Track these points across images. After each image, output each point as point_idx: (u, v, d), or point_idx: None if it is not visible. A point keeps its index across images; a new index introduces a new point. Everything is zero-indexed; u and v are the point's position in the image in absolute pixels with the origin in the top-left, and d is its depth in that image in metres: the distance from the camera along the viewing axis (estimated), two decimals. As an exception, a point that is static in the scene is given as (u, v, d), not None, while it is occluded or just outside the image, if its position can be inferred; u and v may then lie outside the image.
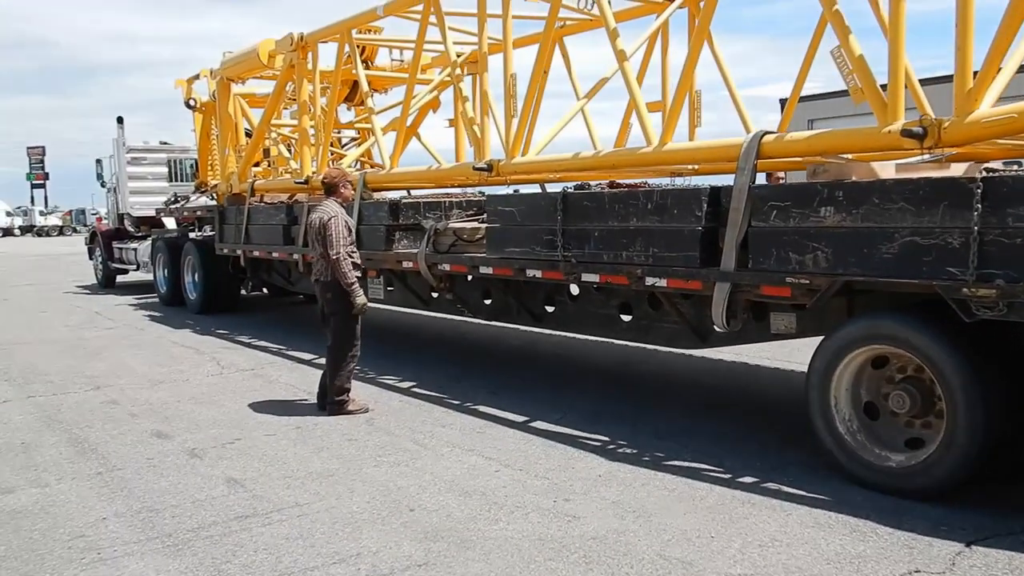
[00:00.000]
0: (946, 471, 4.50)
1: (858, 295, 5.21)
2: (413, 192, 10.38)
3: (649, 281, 6.05)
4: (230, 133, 13.26)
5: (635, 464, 5.45)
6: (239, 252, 12.17)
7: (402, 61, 12.06)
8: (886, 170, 5.19)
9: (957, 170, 5.47)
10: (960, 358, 4.43)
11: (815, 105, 21.49)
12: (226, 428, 6.61)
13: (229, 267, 13.23)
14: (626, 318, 7.23)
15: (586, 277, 6.56)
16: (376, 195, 9.46)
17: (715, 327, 5.71)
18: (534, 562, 4.04)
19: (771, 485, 4.98)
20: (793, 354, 8.50)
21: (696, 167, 8.09)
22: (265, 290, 14.93)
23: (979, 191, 4.26)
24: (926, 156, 5.34)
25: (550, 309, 8.00)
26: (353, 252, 7.01)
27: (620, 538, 4.29)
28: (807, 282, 5.03)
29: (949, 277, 4.40)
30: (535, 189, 8.55)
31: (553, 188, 8.82)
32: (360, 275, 7.06)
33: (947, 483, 4.53)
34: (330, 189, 7.20)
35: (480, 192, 10.06)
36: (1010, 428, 4.49)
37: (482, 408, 7.00)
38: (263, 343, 10.57)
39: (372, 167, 12.20)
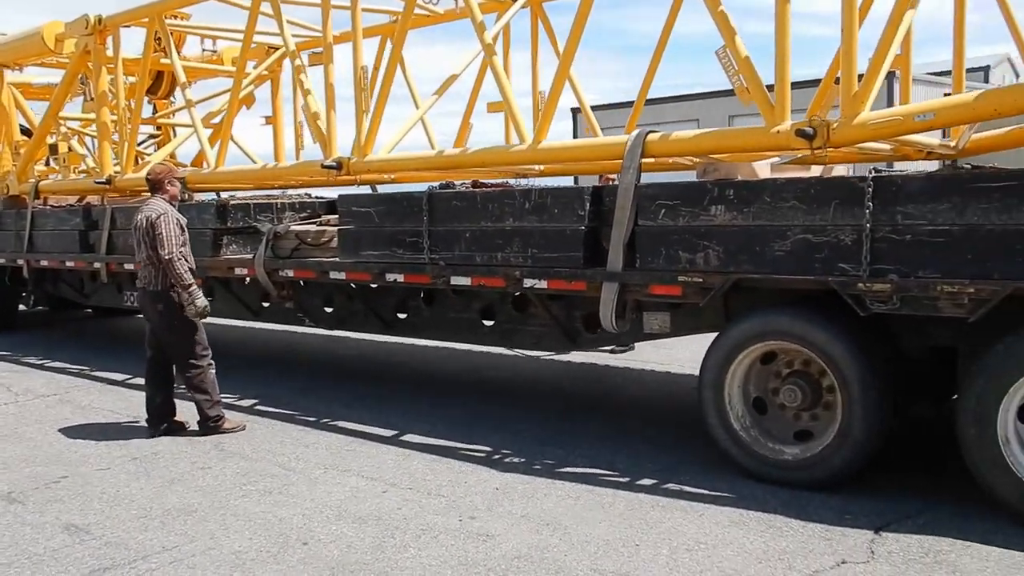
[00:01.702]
0: (843, 461, 4.65)
1: (740, 293, 5.28)
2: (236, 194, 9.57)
3: (528, 283, 5.84)
4: (4, 127, 11.61)
5: (529, 474, 5.22)
6: (21, 262, 10.66)
7: (214, 52, 11.15)
8: (763, 170, 5.33)
9: (814, 171, 5.75)
10: (855, 352, 4.58)
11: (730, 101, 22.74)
12: (43, 465, 5.65)
13: (5, 279, 11.59)
14: (488, 322, 7.00)
15: (456, 280, 6.25)
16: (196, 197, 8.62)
17: (602, 327, 5.60)
18: (463, 590, 3.70)
19: (672, 486, 4.93)
20: (631, 353, 8.66)
21: (541, 168, 8.06)
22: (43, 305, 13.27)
23: (870, 190, 4.43)
24: (786, 156, 5.53)
25: (402, 316, 7.60)
26: (188, 255, 6.27)
27: (545, 555, 4.03)
28: (700, 280, 5.04)
29: (843, 273, 4.54)
30: (386, 189, 8.12)
31: (395, 188, 8.49)
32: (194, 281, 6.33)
33: (843, 473, 4.67)
34: (155, 186, 6.42)
35: (306, 194, 9.45)
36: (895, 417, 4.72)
37: (342, 423, 6.49)
38: (59, 364, 9.30)
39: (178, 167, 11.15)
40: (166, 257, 6.05)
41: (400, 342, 9.60)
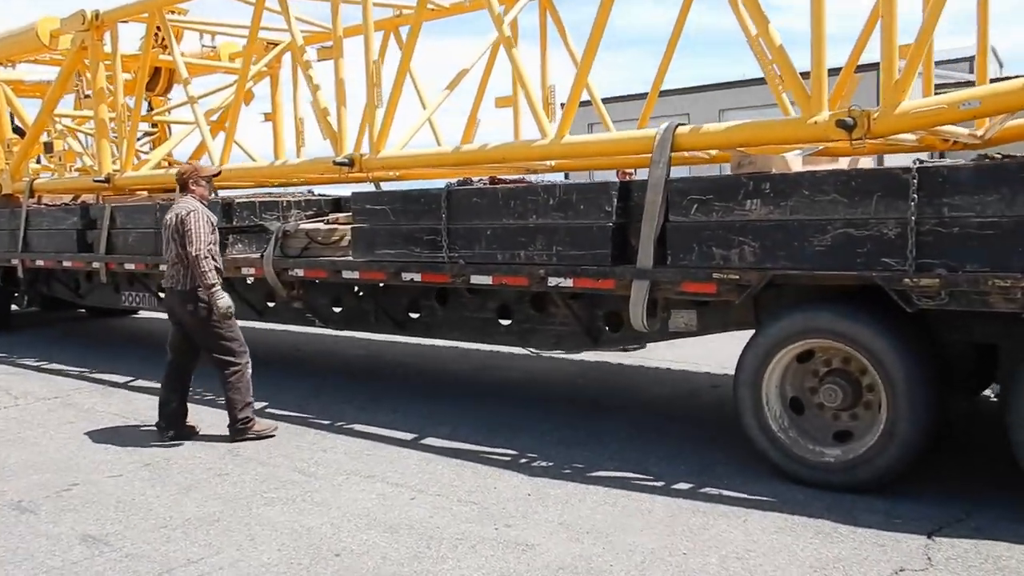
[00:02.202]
0: (888, 462, 4.51)
1: (771, 291, 5.14)
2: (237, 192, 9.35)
3: (553, 281, 5.68)
4: (-4, 125, 11.34)
5: (559, 478, 5.06)
6: (15, 262, 10.41)
7: (213, 48, 10.93)
8: (796, 163, 5.19)
9: (842, 164, 5.62)
10: (901, 349, 4.45)
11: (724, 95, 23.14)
12: (53, 472, 5.45)
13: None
14: (504, 322, 6.83)
15: (476, 279, 6.08)
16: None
17: (626, 326, 5.45)
18: (510, 603, 3.54)
19: (709, 490, 4.78)
20: (642, 352, 8.51)
21: (553, 163, 7.90)
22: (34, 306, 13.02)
23: (915, 181, 4.30)
24: (809, 148, 5.40)
25: (415, 315, 7.43)
26: (216, 255, 6.09)
27: (590, 565, 3.88)
28: (736, 277, 4.89)
29: (887, 268, 4.41)
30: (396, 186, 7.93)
31: (399, 186, 8.30)
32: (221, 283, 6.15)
33: (888, 475, 4.53)
34: (182, 186, 6.26)
35: (309, 191, 9.27)
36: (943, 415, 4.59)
37: (359, 427, 6.31)
38: (57, 366, 9.08)
39: (173, 165, 10.91)
40: (193, 254, 5.87)
41: (408, 342, 9.42)
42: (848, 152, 5.59)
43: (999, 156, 5.13)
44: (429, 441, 5.91)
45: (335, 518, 4.53)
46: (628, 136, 5.80)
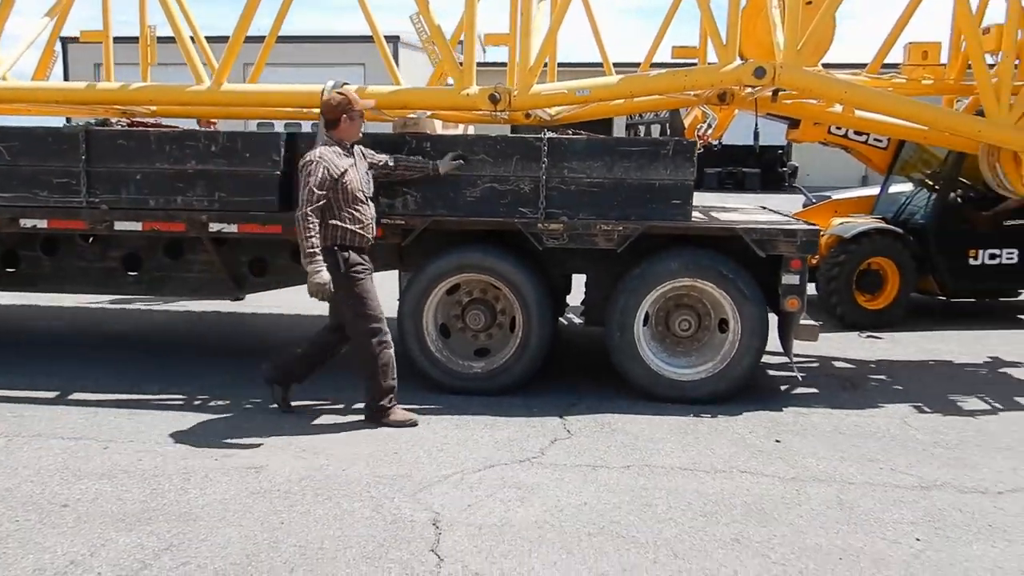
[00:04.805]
0: (523, 368, 5.76)
1: (426, 235, 5.97)
2: None
3: (215, 227, 5.85)
4: None
5: (246, 413, 5.38)
6: None
7: None
8: (438, 126, 6.14)
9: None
10: (532, 280, 5.70)
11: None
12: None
13: None
14: (133, 273, 6.66)
15: (123, 226, 5.92)
16: None
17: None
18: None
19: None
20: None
21: (155, 108, 7.73)
22: None
23: (545, 148, 5.55)
24: (422, 114, 6.35)
25: (11, 269, 6.76)
26: (361, 212, 5.11)
27: (325, 474, 4.42)
28: (403, 222, 5.69)
29: (523, 216, 5.61)
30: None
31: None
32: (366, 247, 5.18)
33: (524, 378, 5.79)
34: (335, 120, 5.12)
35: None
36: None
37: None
38: None
39: None
40: (297, 214, 4.89)
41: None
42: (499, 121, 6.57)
43: (571, 132, 6.66)
44: (83, 396, 5.66)
45: (30, 476, 4.31)
46: (294, 90, 6.15)
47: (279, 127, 7.98)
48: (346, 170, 5.00)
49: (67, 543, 3.63)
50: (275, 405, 5.40)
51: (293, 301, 8.67)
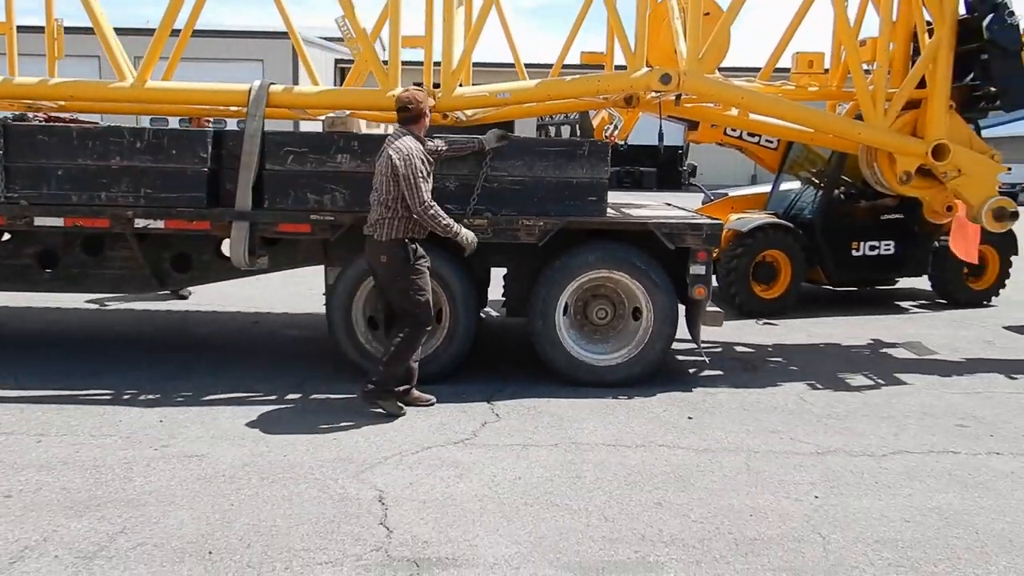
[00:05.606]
0: (451, 357, 6.02)
1: (352, 231, 6.15)
2: None
3: (141, 223, 5.88)
4: None
5: (181, 405, 5.45)
6: None
7: None
8: (363, 126, 6.33)
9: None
10: (458, 273, 5.96)
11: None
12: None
13: None
14: (49, 269, 6.59)
15: (43, 221, 5.88)
16: None
17: (234, 264, 5.94)
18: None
19: (318, 396, 5.72)
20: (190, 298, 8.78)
21: (63, 103, 7.61)
22: None
23: (488, 157, 5.80)
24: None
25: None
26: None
27: (267, 460, 4.57)
28: (332, 219, 5.85)
29: (451, 213, 5.84)
30: None
31: None
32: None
33: (451, 365, 6.05)
34: (411, 117, 5.38)
35: None
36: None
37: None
38: None
39: None
40: (419, 210, 5.17)
41: None
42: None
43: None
44: (5, 393, 5.60)
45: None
46: (221, 89, 6.21)
47: (232, 125, 7.92)
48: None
49: (17, 530, 3.70)
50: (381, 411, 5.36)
51: (230, 297, 8.73)
